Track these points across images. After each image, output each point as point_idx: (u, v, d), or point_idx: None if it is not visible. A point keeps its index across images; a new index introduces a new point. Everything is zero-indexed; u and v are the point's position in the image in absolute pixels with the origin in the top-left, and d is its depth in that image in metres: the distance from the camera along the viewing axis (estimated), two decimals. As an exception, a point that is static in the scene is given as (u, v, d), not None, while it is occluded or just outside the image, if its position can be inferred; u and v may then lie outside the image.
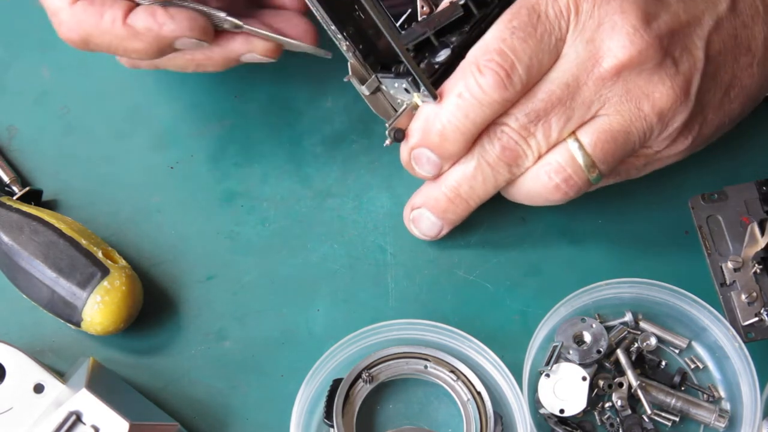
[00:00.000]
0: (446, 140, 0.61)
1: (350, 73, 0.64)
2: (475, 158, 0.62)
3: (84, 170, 0.72)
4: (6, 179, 0.70)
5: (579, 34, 0.59)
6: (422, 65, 0.63)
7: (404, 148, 0.64)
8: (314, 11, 0.61)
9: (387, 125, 0.64)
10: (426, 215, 0.67)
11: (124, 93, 0.75)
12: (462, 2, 0.63)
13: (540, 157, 0.62)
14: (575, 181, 0.62)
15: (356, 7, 0.62)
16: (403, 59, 0.61)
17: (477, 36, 0.63)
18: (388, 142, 0.64)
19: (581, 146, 0.60)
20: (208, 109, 0.74)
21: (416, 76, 0.61)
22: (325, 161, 0.73)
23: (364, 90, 0.64)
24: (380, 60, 0.64)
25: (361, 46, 0.63)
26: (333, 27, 0.62)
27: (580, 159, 0.61)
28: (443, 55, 0.63)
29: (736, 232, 0.69)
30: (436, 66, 0.62)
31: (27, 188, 0.70)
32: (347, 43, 0.62)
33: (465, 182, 0.64)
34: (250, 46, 0.63)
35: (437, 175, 0.64)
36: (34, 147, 0.73)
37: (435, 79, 0.62)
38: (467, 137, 0.61)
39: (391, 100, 0.65)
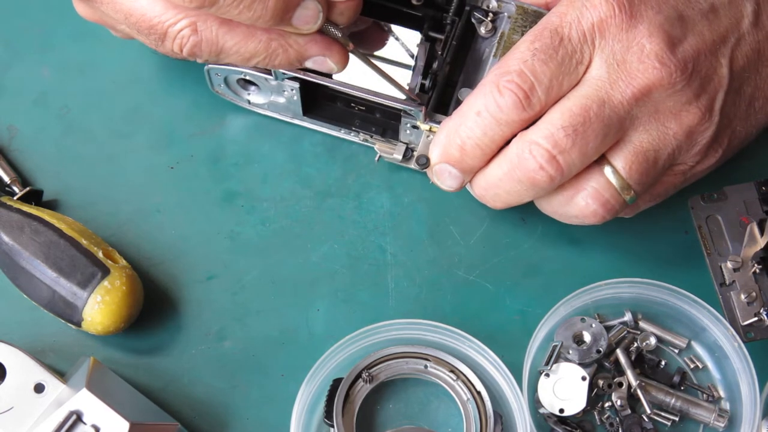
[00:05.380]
0: (466, 155, 0.62)
1: (378, 154, 0.68)
2: (501, 169, 0.62)
3: (84, 170, 0.72)
4: (6, 179, 0.70)
5: (609, 56, 0.59)
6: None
7: (430, 166, 0.65)
8: (321, 128, 0.71)
9: (415, 153, 0.67)
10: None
11: (124, 93, 0.75)
12: (418, 42, 0.67)
13: (574, 178, 0.62)
14: (612, 205, 0.62)
15: (353, 104, 0.69)
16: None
17: (449, 51, 0.66)
18: (416, 167, 0.66)
19: (615, 170, 0.61)
20: (208, 109, 0.74)
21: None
22: (325, 161, 0.73)
23: (397, 158, 0.68)
24: (393, 128, 0.70)
25: (373, 129, 0.70)
26: (342, 130, 0.71)
27: (615, 182, 0.61)
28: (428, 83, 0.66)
29: (735, 232, 0.69)
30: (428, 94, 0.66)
31: (27, 188, 0.69)
32: (361, 133, 0.70)
33: (490, 189, 0.63)
34: (326, 51, 0.61)
35: (461, 187, 0.64)
36: (34, 147, 0.73)
37: (434, 105, 0.66)
38: (486, 152, 0.62)
39: (417, 142, 0.68)
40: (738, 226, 0.69)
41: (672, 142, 0.61)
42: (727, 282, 0.68)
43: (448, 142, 0.62)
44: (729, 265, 0.68)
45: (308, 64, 0.62)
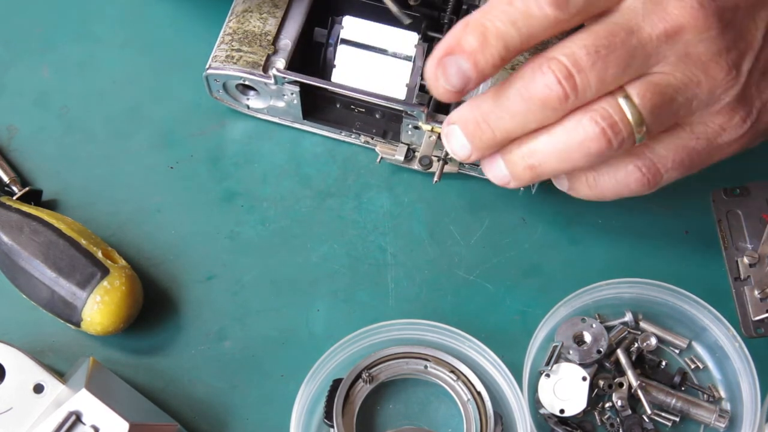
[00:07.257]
0: (485, 46, 0.56)
1: (379, 155, 0.69)
2: (513, 87, 0.58)
3: (84, 170, 0.72)
4: (6, 179, 0.70)
5: None
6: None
7: (433, 57, 0.58)
8: (321, 131, 0.72)
9: (417, 154, 0.69)
10: (457, 133, 0.62)
11: (124, 93, 0.75)
12: (416, 42, 0.68)
13: (584, 105, 0.58)
14: (620, 129, 0.58)
15: (352, 105, 0.70)
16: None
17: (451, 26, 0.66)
18: (419, 168, 0.67)
19: (628, 96, 0.58)
20: (208, 109, 0.74)
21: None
22: (325, 161, 0.73)
23: (399, 159, 0.69)
24: (394, 130, 0.70)
25: (374, 131, 0.70)
26: (343, 133, 0.72)
27: (626, 108, 0.58)
28: None
29: (755, 228, 0.69)
30: None
31: (27, 188, 0.70)
32: (362, 135, 0.71)
33: (495, 110, 0.59)
34: None
35: (460, 93, 0.59)
36: (34, 147, 0.73)
37: (435, 106, 0.67)
38: (504, 52, 0.57)
39: (419, 143, 0.69)
40: (758, 223, 0.69)
41: (693, 89, 0.58)
42: (742, 277, 0.68)
43: (465, 30, 0.57)
44: (745, 260, 0.68)
45: None
